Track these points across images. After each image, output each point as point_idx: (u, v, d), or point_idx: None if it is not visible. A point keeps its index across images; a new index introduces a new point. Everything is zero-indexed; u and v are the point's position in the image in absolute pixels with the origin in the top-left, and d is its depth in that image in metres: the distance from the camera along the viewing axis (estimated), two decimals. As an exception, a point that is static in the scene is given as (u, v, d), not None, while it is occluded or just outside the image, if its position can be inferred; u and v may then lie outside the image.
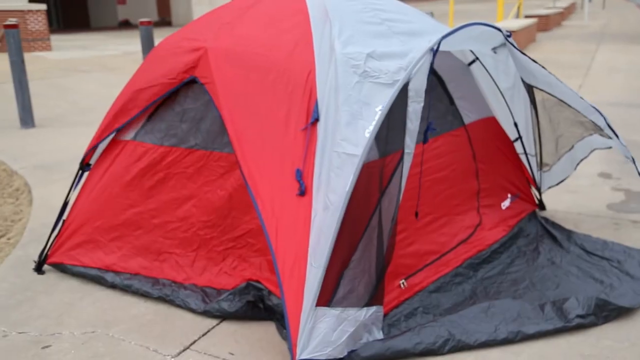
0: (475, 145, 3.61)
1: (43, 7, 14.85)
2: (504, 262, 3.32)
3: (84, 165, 3.42)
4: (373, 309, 2.47)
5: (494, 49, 3.22)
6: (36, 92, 9.08)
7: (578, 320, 2.73)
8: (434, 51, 2.60)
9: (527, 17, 17.74)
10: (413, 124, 2.54)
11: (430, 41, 2.64)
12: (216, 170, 2.99)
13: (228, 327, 2.83)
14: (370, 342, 2.49)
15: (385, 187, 2.48)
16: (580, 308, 2.77)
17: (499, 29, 3.08)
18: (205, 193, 3.00)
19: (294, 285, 2.39)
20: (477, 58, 3.36)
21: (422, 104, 2.56)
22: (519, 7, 18.51)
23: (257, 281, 2.87)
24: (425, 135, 3.09)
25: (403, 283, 2.96)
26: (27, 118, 7.01)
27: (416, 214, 3.16)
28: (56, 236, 3.35)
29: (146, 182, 3.14)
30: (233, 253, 2.98)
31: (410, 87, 2.51)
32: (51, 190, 4.77)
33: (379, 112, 2.44)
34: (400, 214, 3.07)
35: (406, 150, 2.53)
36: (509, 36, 3.17)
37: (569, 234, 3.59)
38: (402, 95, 2.50)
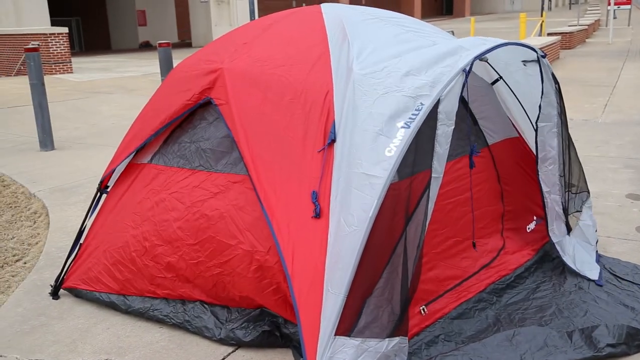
0: (500, 166, 3.51)
1: (65, 30, 15.10)
2: (529, 287, 3.21)
3: (102, 188, 3.40)
4: (396, 340, 2.36)
5: (525, 62, 3.14)
6: (56, 114, 9.19)
7: (609, 350, 2.61)
8: (467, 72, 2.51)
9: (549, 34, 17.61)
10: (442, 147, 2.44)
11: (462, 59, 2.53)
12: (210, 189, 2.90)
13: (244, 354, 2.75)
14: (390, 372, 2.39)
15: (412, 212, 2.39)
16: (610, 336, 2.65)
17: (534, 49, 3.00)
18: (193, 214, 2.91)
19: (311, 311, 2.31)
20: (501, 77, 3.28)
21: (452, 127, 2.46)
22: (541, 25, 18.41)
23: (266, 307, 2.79)
24: (470, 158, 2.99)
25: (423, 309, 2.86)
26: (46, 140, 7.05)
27: (473, 244, 3.09)
28: (72, 260, 3.31)
29: (147, 203, 3.09)
30: (221, 280, 2.85)
31: (441, 109, 2.42)
32: (68, 214, 4.76)
33: (401, 128, 2.35)
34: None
35: (434, 175, 2.43)
36: (543, 56, 3.09)
37: (597, 257, 3.46)
38: (430, 117, 2.41)
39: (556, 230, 3.36)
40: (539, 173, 3.27)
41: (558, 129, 3.24)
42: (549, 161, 3.26)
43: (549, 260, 3.45)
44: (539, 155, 3.25)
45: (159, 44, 7.77)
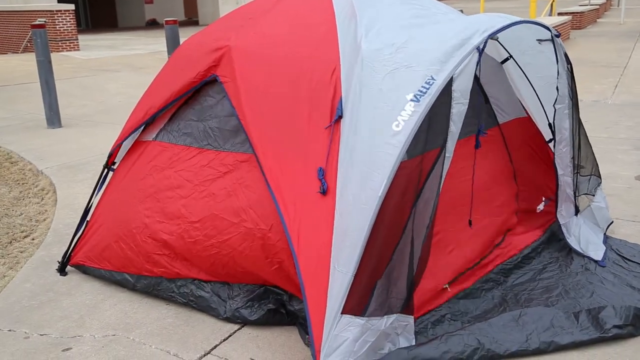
0: (510, 145, 3.49)
1: (71, 7, 15.02)
2: (535, 268, 3.20)
3: (109, 166, 3.40)
4: (393, 317, 2.36)
5: (539, 41, 3.10)
6: (63, 91, 9.17)
7: (615, 331, 2.60)
8: (480, 50, 2.47)
9: (560, 14, 17.37)
10: (456, 126, 2.41)
11: (476, 36, 2.48)
12: (219, 169, 2.88)
13: (250, 331, 2.76)
14: (395, 350, 2.40)
15: (420, 190, 2.37)
16: (617, 318, 2.64)
17: (548, 28, 2.96)
18: (200, 193, 2.89)
19: (317, 289, 2.31)
20: (511, 56, 3.24)
21: (467, 106, 2.43)
22: (552, 4, 18.16)
23: (274, 285, 2.79)
24: (477, 138, 2.96)
25: (446, 287, 2.88)
26: (53, 118, 7.05)
27: (470, 223, 3.07)
28: (79, 237, 3.33)
29: (150, 180, 3.07)
30: (219, 260, 2.83)
31: (455, 87, 2.39)
32: (76, 191, 4.77)
33: (410, 102, 2.32)
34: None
35: (447, 155, 2.41)
36: (557, 36, 3.05)
37: (604, 239, 3.45)
38: (444, 95, 2.37)
39: (564, 211, 3.35)
40: (555, 155, 3.25)
41: (569, 110, 3.21)
42: (562, 143, 3.24)
43: (556, 240, 3.43)
44: (556, 138, 3.22)
45: (166, 21, 7.73)
